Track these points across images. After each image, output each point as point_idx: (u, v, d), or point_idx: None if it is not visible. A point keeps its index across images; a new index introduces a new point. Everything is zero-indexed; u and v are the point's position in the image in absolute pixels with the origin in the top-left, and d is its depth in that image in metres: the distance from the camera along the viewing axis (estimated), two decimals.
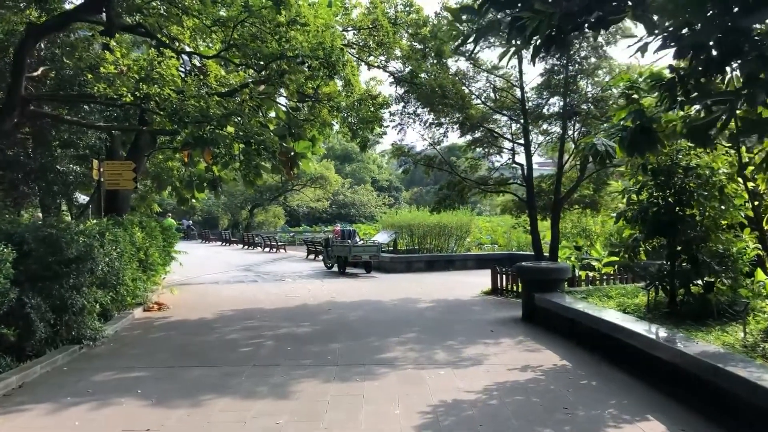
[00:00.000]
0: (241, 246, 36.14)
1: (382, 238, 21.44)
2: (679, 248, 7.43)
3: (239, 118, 10.52)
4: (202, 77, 10.74)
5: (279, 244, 30.51)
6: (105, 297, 8.76)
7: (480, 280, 16.42)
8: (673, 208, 7.38)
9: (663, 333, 6.55)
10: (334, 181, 46.59)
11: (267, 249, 31.20)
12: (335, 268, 19.87)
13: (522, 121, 13.63)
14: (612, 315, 7.67)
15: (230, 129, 11.13)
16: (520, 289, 13.02)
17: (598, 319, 7.63)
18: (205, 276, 18.34)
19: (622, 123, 6.36)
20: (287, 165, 14.98)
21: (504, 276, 13.40)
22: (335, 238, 20.76)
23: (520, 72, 13.39)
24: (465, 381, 6.42)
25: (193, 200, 19.20)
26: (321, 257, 22.58)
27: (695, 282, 7.40)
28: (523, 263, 10.80)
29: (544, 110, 13.70)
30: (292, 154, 15.02)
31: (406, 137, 36.05)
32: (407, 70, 13.47)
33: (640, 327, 6.85)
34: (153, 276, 12.46)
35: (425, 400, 5.76)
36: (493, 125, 14.81)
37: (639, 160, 7.01)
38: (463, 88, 13.22)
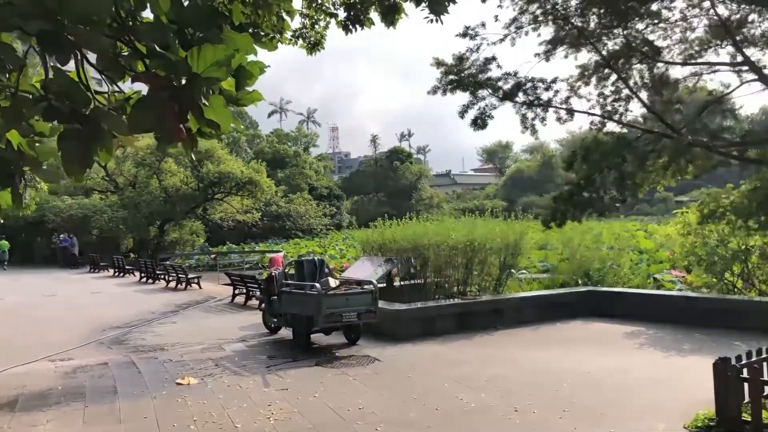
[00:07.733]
0: (139, 277, 25.73)
1: (365, 271, 12.25)
2: None
3: None
4: None
5: (189, 277, 20.40)
6: None
7: (603, 361, 7.89)
8: None
9: None
10: (266, 187, 36.73)
11: (174, 283, 21.30)
12: (286, 330, 10.77)
13: None
14: None
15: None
16: None
17: None
18: (15, 370, 8.77)
19: None
20: (173, 111, 5.30)
21: None
22: (282, 274, 11.21)
23: None
24: None
25: None
26: (260, 304, 13.44)
27: None
28: None
29: None
30: (183, 82, 5.33)
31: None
32: None
33: None
34: None
35: None
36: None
37: None
38: None
